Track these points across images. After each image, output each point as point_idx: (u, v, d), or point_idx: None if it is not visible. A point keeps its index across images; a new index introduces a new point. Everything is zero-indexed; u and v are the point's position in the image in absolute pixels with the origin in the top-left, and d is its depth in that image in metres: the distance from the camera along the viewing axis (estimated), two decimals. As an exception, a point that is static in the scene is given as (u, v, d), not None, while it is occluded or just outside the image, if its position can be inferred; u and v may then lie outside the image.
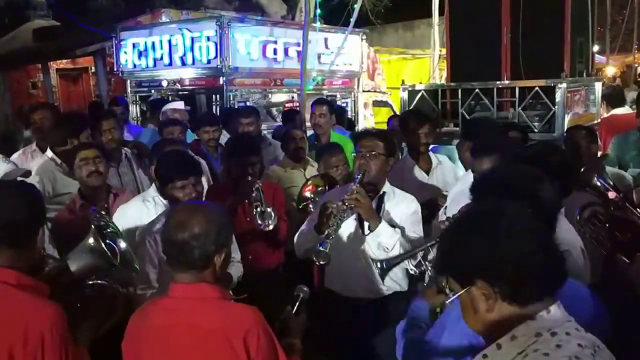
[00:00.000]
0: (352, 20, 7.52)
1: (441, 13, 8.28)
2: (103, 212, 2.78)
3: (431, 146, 4.80)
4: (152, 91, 7.82)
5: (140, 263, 2.79)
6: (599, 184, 2.87)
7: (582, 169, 3.08)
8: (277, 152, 5.10)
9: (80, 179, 3.60)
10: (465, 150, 3.82)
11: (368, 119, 9.81)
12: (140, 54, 7.74)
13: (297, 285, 2.35)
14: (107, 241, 2.35)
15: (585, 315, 1.61)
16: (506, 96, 4.96)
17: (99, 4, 14.22)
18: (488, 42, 5.10)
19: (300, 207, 4.00)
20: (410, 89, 5.37)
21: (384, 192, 3.26)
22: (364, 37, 8.84)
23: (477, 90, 4.91)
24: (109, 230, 2.44)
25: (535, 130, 4.68)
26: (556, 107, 4.60)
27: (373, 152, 3.18)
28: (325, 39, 8.04)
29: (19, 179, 3.09)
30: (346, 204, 3.03)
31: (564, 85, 4.58)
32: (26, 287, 1.99)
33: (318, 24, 8.15)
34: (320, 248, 2.99)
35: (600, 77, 6.50)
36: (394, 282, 3.24)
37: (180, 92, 7.54)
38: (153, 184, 3.49)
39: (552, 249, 1.42)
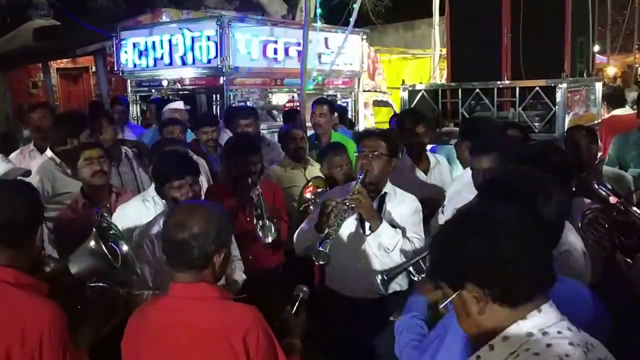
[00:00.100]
0: (352, 20, 7.51)
1: (442, 13, 8.25)
2: (106, 214, 2.78)
3: (430, 146, 4.81)
4: (153, 91, 7.82)
5: (139, 264, 2.78)
6: (599, 190, 2.86)
7: (582, 176, 3.08)
8: (274, 154, 5.09)
9: (84, 179, 3.59)
10: (463, 149, 3.81)
11: (368, 119, 9.81)
12: (140, 54, 7.74)
13: (297, 285, 2.35)
14: (109, 243, 2.35)
15: (585, 316, 1.61)
16: (506, 96, 4.95)
17: (99, 3, 14.23)
18: (488, 42, 5.08)
19: (301, 209, 4.00)
20: (410, 88, 5.36)
21: (386, 193, 3.25)
22: (365, 36, 8.83)
23: (477, 90, 4.90)
24: (111, 232, 2.44)
25: (536, 130, 4.67)
26: (557, 107, 4.58)
27: (376, 152, 3.17)
28: (326, 39, 8.03)
29: (19, 178, 3.09)
30: (347, 203, 3.02)
31: (565, 85, 4.57)
32: (25, 286, 1.99)
33: (318, 24, 8.15)
34: (320, 248, 2.98)
35: (601, 77, 6.49)
36: (394, 282, 3.22)
37: (181, 92, 7.54)
38: (153, 184, 3.49)
39: (540, 249, 1.42)
